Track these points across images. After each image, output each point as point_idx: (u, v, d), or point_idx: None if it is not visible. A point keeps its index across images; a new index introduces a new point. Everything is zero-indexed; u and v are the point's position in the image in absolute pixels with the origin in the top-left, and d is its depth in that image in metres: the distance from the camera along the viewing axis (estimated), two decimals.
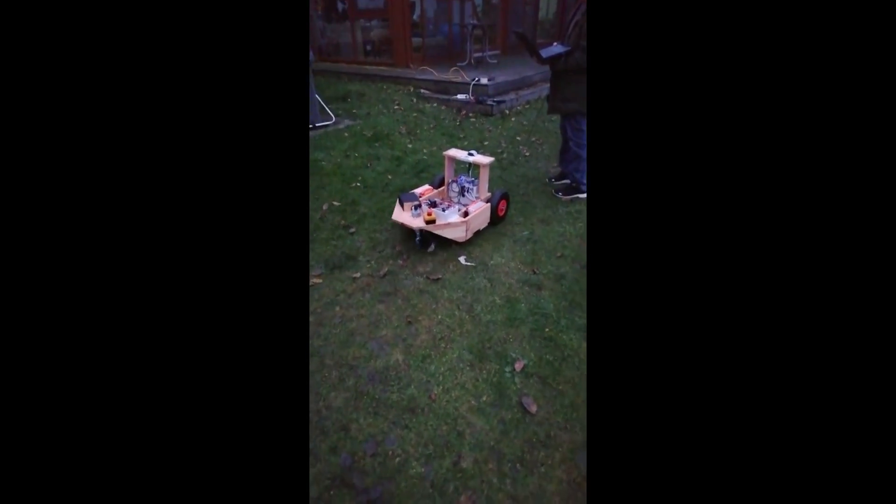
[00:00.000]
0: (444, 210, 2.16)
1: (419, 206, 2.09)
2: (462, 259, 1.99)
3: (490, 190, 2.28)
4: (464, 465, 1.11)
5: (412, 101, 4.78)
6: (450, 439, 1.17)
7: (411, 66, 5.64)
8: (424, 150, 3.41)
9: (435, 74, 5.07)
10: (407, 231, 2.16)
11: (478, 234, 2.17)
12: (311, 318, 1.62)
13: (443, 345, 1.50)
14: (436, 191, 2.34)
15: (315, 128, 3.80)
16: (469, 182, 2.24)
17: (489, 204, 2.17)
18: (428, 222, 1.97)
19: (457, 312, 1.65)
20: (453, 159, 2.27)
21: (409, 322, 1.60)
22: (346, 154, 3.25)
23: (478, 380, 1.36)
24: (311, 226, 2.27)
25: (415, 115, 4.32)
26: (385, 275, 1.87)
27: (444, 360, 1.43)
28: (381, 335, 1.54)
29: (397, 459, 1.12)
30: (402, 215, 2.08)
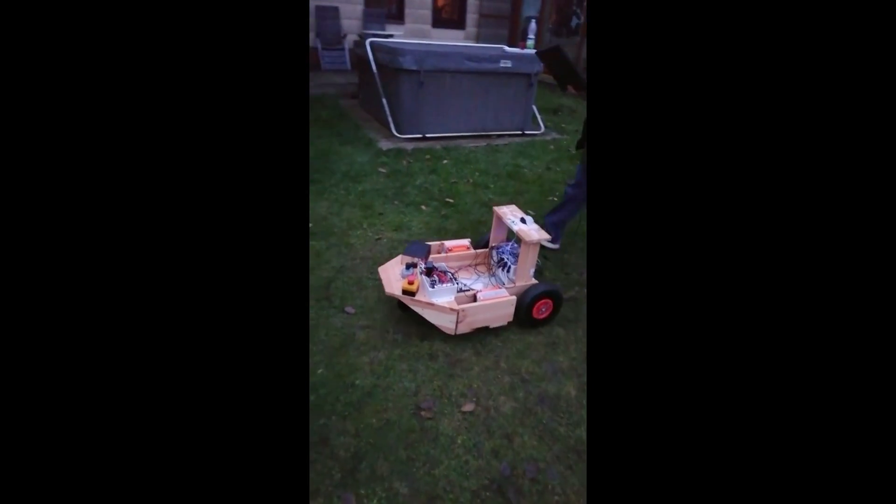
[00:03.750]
0: (433, 286, 1.47)
1: (414, 265, 1.56)
2: None
3: (538, 277, 1.61)
4: None
5: None
6: None
7: None
8: None
9: None
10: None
11: None
12: None
13: None
14: (474, 252, 1.75)
15: (524, 135, 3.93)
16: (512, 256, 1.61)
17: (516, 297, 1.50)
18: (405, 291, 1.44)
19: None
20: (501, 219, 1.62)
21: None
22: (547, 166, 3.27)
23: None
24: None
25: None
26: (569, 298, 1.80)
27: None
28: (556, 360, 1.49)
29: (556, 498, 1.07)
30: (390, 270, 1.56)
